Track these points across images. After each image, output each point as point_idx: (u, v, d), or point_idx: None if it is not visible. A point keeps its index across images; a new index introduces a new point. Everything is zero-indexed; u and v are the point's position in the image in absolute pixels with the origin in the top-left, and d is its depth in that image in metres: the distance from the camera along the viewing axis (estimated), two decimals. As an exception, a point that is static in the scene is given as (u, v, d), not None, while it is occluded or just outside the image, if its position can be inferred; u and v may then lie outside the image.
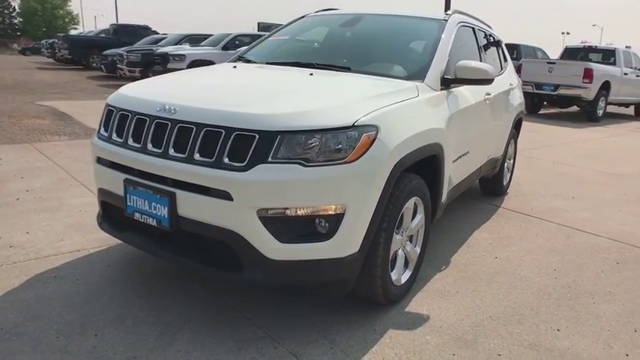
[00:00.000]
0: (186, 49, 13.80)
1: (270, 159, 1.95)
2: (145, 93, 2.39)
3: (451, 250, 3.35)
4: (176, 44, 15.61)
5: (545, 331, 2.41)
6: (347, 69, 2.87)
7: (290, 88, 2.45)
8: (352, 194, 2.05)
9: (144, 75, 14.37)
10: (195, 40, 16.21)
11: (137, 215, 2.23)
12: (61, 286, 2.60)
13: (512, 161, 4.93)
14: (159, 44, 16.42)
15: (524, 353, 2.21)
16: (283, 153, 1.96)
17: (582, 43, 15.11)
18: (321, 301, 2.54)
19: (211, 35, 15.77)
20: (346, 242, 2.08)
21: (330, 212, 2.02)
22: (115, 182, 2.32)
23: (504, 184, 4.75)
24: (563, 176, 5.82)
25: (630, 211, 4.50)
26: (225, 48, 13.75)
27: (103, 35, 21.93)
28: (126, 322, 2.29)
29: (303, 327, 2.32)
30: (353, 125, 2.04)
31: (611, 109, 13.18)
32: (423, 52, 2.99)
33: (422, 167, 2.51)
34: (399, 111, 2.31)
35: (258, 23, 36.14)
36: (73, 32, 56.83)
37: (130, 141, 2.25)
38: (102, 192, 2.48)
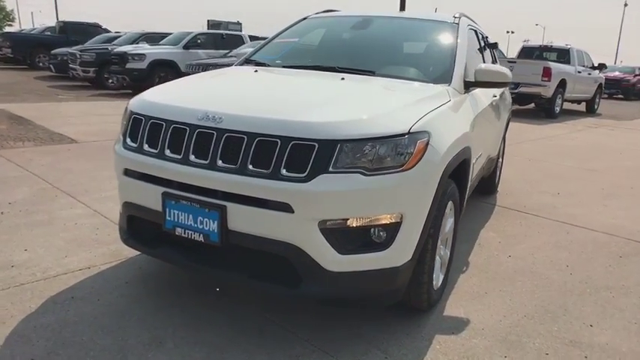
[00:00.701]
0: (145, 48, 13.29)
1: (331, 169, 1.89)
2: (178, 100, 2.25)
3: (466, 251, 3.40)
4: (132, 43, 15.00)
5: (579, 327, 2.48)
6: (371, 72, 2.84)
7: (332, 94, 2.38)
8: (409, 202, 2.02)
9: (99, 76, 13.74)
10: (152, 38, 15.63)
11: (179, 230, 2.10)
12: (83, 307, 2.42)
13: (501, 160, 5.08)
14: (113, 43, 15.70)
15: (570, 351, 2.27)
16: (343, 162, 1.90)
17: (524, 42, 15.88)
18: (358, 310, 2.50)
19: (170, 34, 15.27)
20: (402, 251, 2.05)
21: (388, 221, 1.99)
22: (150, 196, 2.18)
23: (496, 182, 4.89)
24: (542, 173, 6.06)
25: (614, 205, 4.75)
26: (186, 47, 13.36)
27: (49, 33, 20.74)
28: (166, 344, 2.16)
29: (350, 338, 2.27)
30: (409, 132, 2.01)
31: (565, 105, 13.90)
32: (444, 55, 3.01)
33: (453, 171, 2.52)
34: (442, 116, 2.31)
35: (208, 21, 35.50)
36: (8, 29, 53.40)
37: (168, 152, 2.12)
38: (129, 206, 2.32)
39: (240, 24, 32.72)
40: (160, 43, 14.26)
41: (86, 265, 2.86)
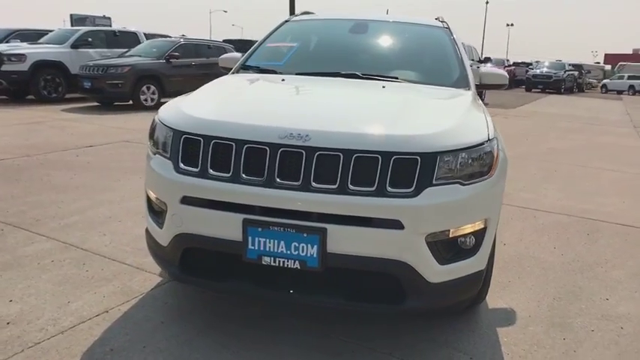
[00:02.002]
0: (24, 47, 11.68)
1: (434, 181, 1.88)
2: (242, 117, 2.04)
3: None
4: (3, 41, 13.07)
5: (600, 302, 2.79)
6: (395, 78, 2.85)
7: (399, 105, 2.32)
8: (492, 207, 2.10)
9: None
10: (27, 36, 13.77)
11: (266, 259, 1.93)
12: (132, 359, 2.10)
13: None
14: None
15: (606, 324, 2.54)
16: (443, 174, 1.90)
17: None
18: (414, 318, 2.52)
19: (50, 31, 13.61)
20: (486, 254, 2.12)
21: (478, 227, 2.04)
22: (223, 224, 1.96)
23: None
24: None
25: (552, 187, 5.36)
26: (74, 46, 12.01)
27: None
28: (253, 383, 1.98)
29: (429, 345, 2.29)
30: (489, 139, 2.08)
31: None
32: (452, 59, 3.13)
33: None
34: (490, 120, 2.41)
35: (71, 15, 32.28)
36: None
37: (244, 175, 1.92)
38: (187, 238, 2.06)
39: (109, 18, 30.26)
40: (41, 41, 12.62)
41: (101, 310, 2.48)
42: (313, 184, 1.86)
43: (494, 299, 2.76)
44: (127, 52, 12.23)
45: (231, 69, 3.41)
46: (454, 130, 2.02)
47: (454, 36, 3.35)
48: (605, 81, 39.56)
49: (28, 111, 9.83)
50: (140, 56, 11.54)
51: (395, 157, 1.85)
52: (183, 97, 2.56)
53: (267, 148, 1.90)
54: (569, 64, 30.05)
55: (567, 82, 27.75)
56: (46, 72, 11.45)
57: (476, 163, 1.99)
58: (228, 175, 1.94)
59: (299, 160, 1.87)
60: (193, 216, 2.02)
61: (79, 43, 12.14)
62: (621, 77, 37.80)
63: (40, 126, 8.04)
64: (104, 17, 30.38)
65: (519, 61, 38.94)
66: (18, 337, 2.22)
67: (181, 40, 12.73)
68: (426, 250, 1.90)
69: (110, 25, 24.26)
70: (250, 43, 18.02)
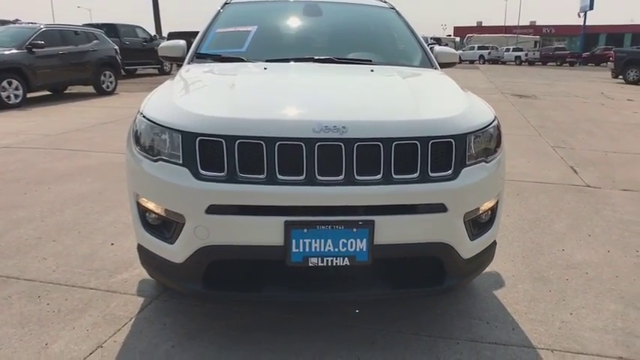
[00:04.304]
0: None
1: (467, 162, 1.94)
2: (268, 112, 1.87)
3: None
4: None
5: (559, 253, 3.15)
6: (369, 61, 2.84)
7: (409, 89, 2.29)
8: (502, 181, 2.23)
9: None
10: None
11: (313, 261, 1.82)
12: (162, 394, 1.86)
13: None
14: None
15: (573, 272, 2.89)
16: (472, 154, 1.97)
17: None
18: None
19: None
20: (498, 224, 2.26)
21: (494, 201, 2.16)
22: (259, 230, 1.81)
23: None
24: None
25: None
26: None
27: None
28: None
29: (447, 318, 2.38)
30: (495, 118, 2.19)
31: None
32: (411, 40, 3.20)
33: None
34: None
35: None
36: None
37: (280, 174, 1.78)
38: (216, 250, 1.85)
39: None
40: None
41: (94, 346, 2.14)
42: (357, 177, 1.80)
43: (477, 265, 2.96)
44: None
45: (176, 58, 3.11)
46: (472, 111, 2.10)
47: (403, 16, 3.44)
48: (458, 52, 44.14)
49: None
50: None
51: (432, 141, 1.86)
52: (165, 92, 2.26)
53: (303, 144, 1.78)
54: (431, 38, 32.81)
55: (429, 54, 30.33)
56: None
57: (492, 141, 2.09)
58: (263, 176, 1.78)
59: (338, 154, 1.79)
60: (223, 225, 1.82)
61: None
62: (472, 48, 42.47)
63: None
64: None
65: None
66: (5, 397, 1.83)
67: (41, 26, 11.16)
68: (463, 229, 1.96)
69: None
70: (114, 27, 16.82)
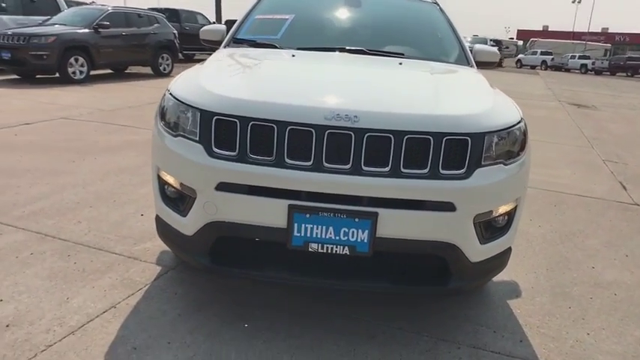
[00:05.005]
0: None
1: (483, 162, 1.89)
2: (278, 96, 1.91)
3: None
4: None
5: (588, 270, 3.00)
6: (401, 54, 2.81)
7: (432, 84, 2.26)
8: (524, 186, 2.16)
9: None
10: None
11: (313, 246, 1.85)
12: (160, 357, 1.95)
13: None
14: None
15: (600, 291, 2.75)
16: (489, 154, 1.92)
17: None
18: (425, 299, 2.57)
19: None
20: (515, 232, 2.19)
21: (512, 206, 2.09)
22: (264, 211, 1.85)
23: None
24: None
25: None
26: None
27: None
28: (298, 373, 1.92)
29: (453, 321, 2.34)
30: (521, 119, 2.12)
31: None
32: (450, 36, 3.14)
33: None
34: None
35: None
36: None
37: (289, 158, 1.81)
38: (223, 226, 1.91)
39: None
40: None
41: (108, 305, 2.28)
42: (364, 167, 1.80)
43: (496, 272, 2.88)
44: (47, 20, 11.08)
45: (215, 42, 3.21)
46: (495, 110, 2.04)
47: (445, 12, 3.37)
48: (520, 56, 42.40)
49: (-64, 83, 8.67)
50: (65, 25, 10.50)
51: (446, 137, 1.83)
52: (194, 72, 2.35)
53: (313, 130, 1.80)
54: (490, 40, 31.71)
55: (488, 57, 29.31)
56: (-47, 39, 10.13)
57: (513, 143, 2.02)
58: (271, 159, 1.82)
59: (348, 143, 1.80)
60: (230, 203, 1.88)
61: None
62: (534, 53, 40.74)
63: (-42, 101, 7.14)
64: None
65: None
66: (25, 340, 1.99)
67: (109, 8, 11.74)
68: (472, 231, 1.92)
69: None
70: (176, 13, 17.48)
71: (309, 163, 1.80)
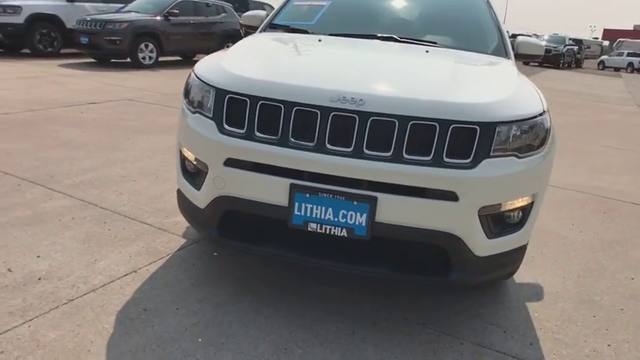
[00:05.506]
0: (18, -2, 11.19)
1: (492, 153, 1.83)
2: (289, 77, 1.95)
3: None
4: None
5: (625, 281, 2.80)
6: (433, 43, 2.76)
7: (450, 71, 2.22)
8: (542, 182, 2.06)
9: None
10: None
11: (312, 226, 1.88)
12: (166, 320, 2.07)
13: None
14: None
15: (634, 304, 2.56)
16: (501, 146, 1.85)
17: None
18: (442, 291, 2.52)
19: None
20: (530, 229, 2.10)
21: (526, 202, 2.01)
22: (267, 188, 1.90)
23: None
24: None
25: (561, 164, 5.33)
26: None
27: None
28: (293, 350, 1.96)
29: (462, 316, 2.29)
30: (544, 111, 2.02)
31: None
32: (489, 25, 3.04)
33: None
34: (541, 92, 2.34)
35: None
36: None
37: (293, 138, 1.85)
38: (230, 201, 1.99)
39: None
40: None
41: (130, 269, 2.44)
42: (366, 151, 1.80)
43: (521, 273, 2.74)
44: (124, 7, 11.81)
45: (254, 27, 3.29)
46: (512, 101, 1.96)
47: (490, 2, 3.24)
48: (603, 57, 39.35)
49: (24, 65, 9.53)
50: (138, 12, 11.15)
51: (453, 125, 1.78)
52: (220, 54, 2.45)
53: (318, 112, 1.82)
54: (570, 39, 29.74)
55: (566, 56, 27.52)
56: (42, 25, 11.06)
57: (531, 136, 1.94)
58: (276, 138, 1.86)
59: (351, 126, 1.80)
60: (237, 179, 1.95)
61: (76, -5, 11.67)
62: (620, 54, 37.59)
63: (38, 81, 7.80)
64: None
65: (517, 33, 38.63)
66: (52, 292, 2.18)
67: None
68: (477, 224, 1.86)
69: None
70: (245, 2, 17.91)
71: (312, 143, 1.83)
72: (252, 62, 2.20)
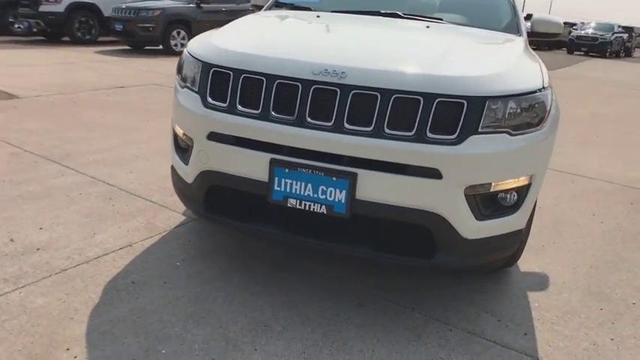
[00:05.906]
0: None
1: (480, 129, 1.73)
2: (274, 51, 1.91)
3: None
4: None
5: (642, 274, 2.63)
6: (439, 20, 2.64)
7: (445, 45, 2.12)
8: (539, 162, 1.94)
9: (1, 20, 11.85)
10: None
11: (291, 202, 1.84)
12: (152, 293, 2.09)
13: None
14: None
15: (648, 298, 2.40)
16: (491, 122, 1.74)
17: None
18: (441, 274, 2.43)
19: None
20: (527, 212, 1.98)
21: (522, 183, 1.89)
22: (249, 163, 1.87)
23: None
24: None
25: (594, 153, 5.07)
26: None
27: None
28: (272, 327, 1.94)
29: (454, 302, 2.20)
30: (543, 87, 1.89)
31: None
32: (504, 5, 2.89)
33: None
34: (545, 69, 2.21)
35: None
36: None
37: (274, 112, 1.81)
38: (212, 175, 1.98)
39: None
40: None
41: (125, 243, 2.48)
42: (346, 125, 1.73)
43: (527, 262, 2.63)
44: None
45: (261, 6, 3.26)
46: (505, 75, 1.84)
47: None
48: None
49: (63, 52, 9.87)
50: (172, 0, 11.32)
51: (438, 99, 1.69)
52: (214, 30, 2.42)
53: (300, 85, 1.77)
54: (619, 26, 28.02)
55: (614, 45, 25.96)
56: (81, 13, 11.42)
57: (527, 113, 1.82)
58: (257, 112, 1.83)
59: (332, 99, 1.74)
60: (219, 153, 1.93)
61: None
62: (676, 42, 35.28)
63: (73, 66, 8.07)
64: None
65: (563, 20, 36.86)
66: (46, 262, 2.24)
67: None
68: (463, 204, 1.77)
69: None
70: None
71: (293, 117, 1.78)
72: (241, 37, 2.17)
